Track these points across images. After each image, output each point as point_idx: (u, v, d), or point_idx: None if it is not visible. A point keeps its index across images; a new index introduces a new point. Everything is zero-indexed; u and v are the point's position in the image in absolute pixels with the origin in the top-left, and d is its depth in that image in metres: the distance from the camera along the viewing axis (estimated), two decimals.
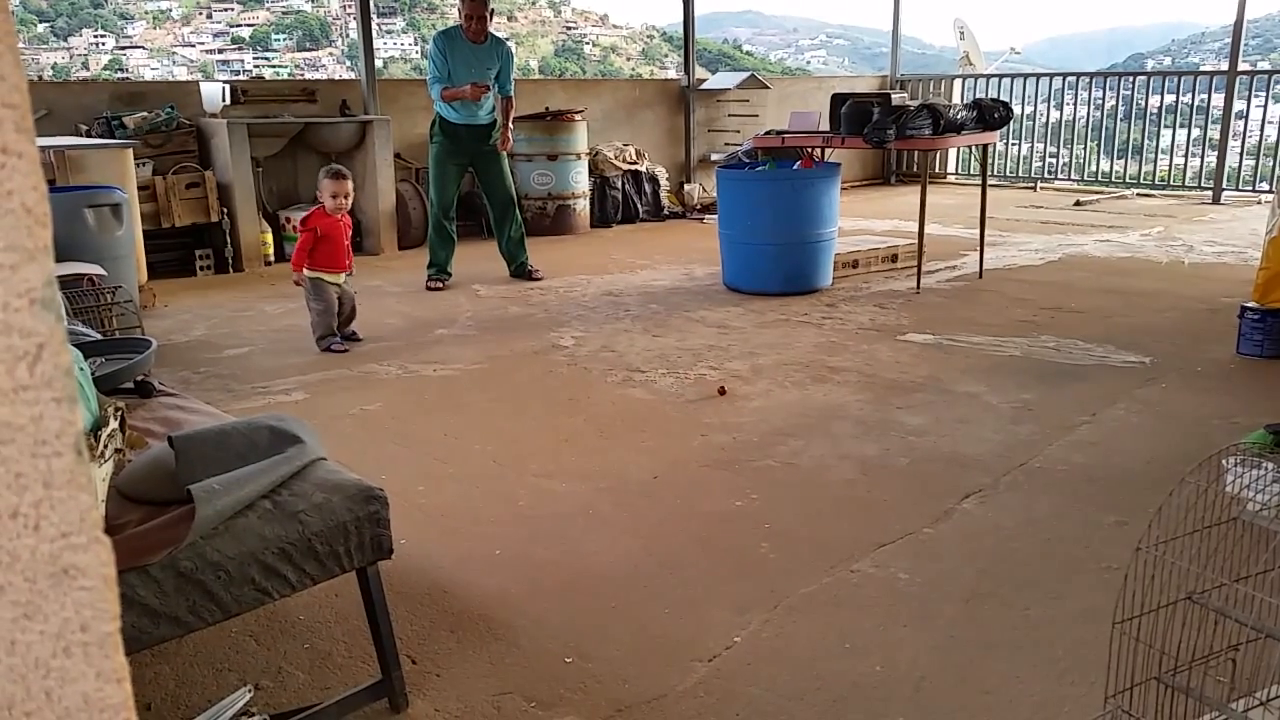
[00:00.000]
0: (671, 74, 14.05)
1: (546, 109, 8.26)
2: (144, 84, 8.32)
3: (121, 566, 1.56)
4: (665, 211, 9.03)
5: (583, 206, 8.30)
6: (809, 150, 6.02)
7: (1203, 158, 9.90)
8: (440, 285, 6.04)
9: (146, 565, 1.58)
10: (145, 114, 6.49)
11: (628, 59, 71.83)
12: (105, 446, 1.80)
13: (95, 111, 6.47)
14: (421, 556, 2.56)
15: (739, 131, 9.68)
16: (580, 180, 8.23)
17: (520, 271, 6.29)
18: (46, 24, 62.40)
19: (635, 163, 8.90)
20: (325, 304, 4.63)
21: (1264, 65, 32.28)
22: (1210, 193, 9.57)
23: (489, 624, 2.25)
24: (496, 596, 2.37)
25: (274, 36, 67.47)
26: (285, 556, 1.73)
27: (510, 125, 6.24)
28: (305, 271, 4.60)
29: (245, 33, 67.40)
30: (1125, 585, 1.66)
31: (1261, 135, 9.91)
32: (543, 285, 6.10)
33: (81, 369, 2.03)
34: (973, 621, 2.23)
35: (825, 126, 6.04)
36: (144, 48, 64.58)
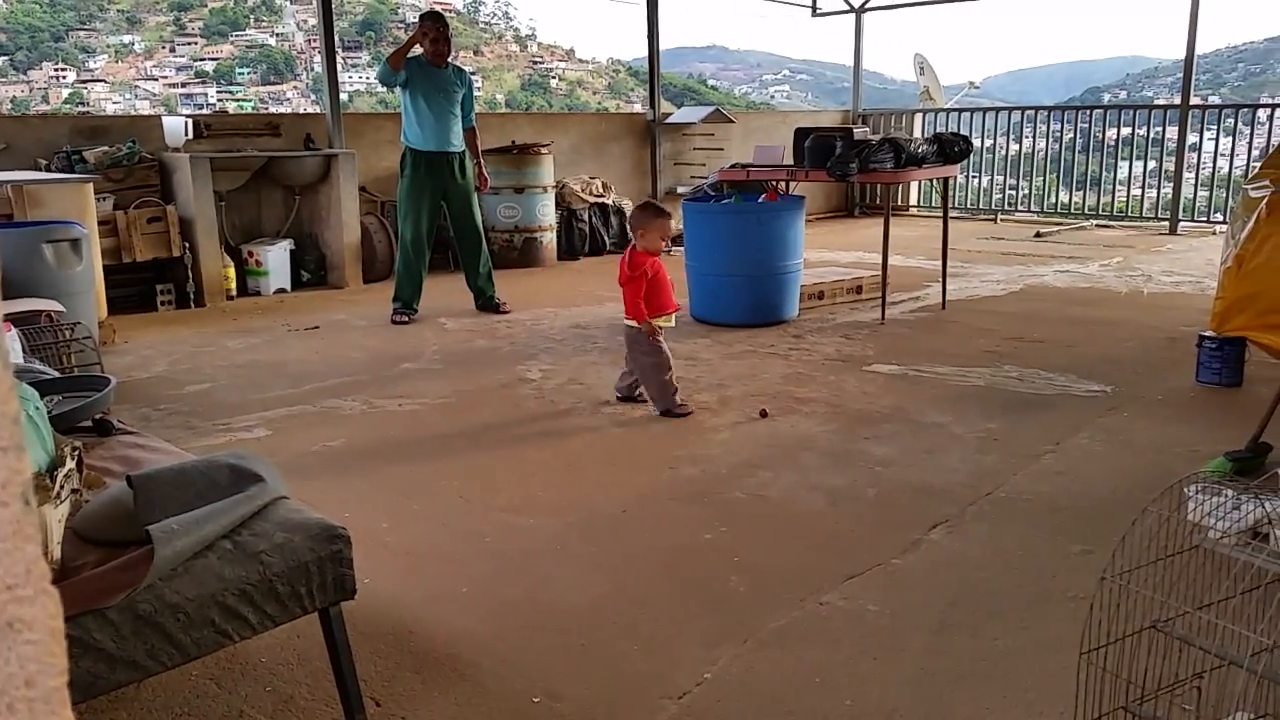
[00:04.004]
0: (637, 108, 14.16)
1: (513, 142, 8.28)
2: (105, 118, 8.25)
3: (78, 610, 1.53)
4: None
5: (550, 239, 8.31)
6: (774, 183, 6.08)
7: (1159, 189, 10.11)
8: (406, 319, 6.01)
9: (103, 608, 1.55)
10: (106, 148, 6.44)
11: (594, 93, 72.36)
12: (61, 487, 1.76)
13: (55, 146, 6.40)
14: (386, 595, 2.52)
15: (705, 165, 9.76)
16: (547, 213, 8.24)
17: (487, 305, 6.28)
18: (5, 57, 61.89)
19: (602, 195, 8.94)
20: (664, 358, 4.03)
21: (1214, 99, 33.06)
22: (1167, 223, 9.77)
23: (455, 664, 2.22)
24: (463, 635, 2.34)
25: (238, 70, 67.32)
26: (246, 598, 1.69)
27: (483, 161, 6.32)
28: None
29: (209, 66, 67.19)
30: (1091, 615, 1.67)
31: (1214, 167, 10.13)
32: (510, 318, 6.09)
33: (37, 408, 2.00)
34: (942, 653, 2.23)
35: (789, 160, 6.10)
36: (106, 81, 64.15)
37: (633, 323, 4.12)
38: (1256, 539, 2.36)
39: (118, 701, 2.03)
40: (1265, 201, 4.25)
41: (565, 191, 8.66)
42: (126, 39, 68.34)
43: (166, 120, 6.78)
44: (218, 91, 63.85)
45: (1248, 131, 9.58)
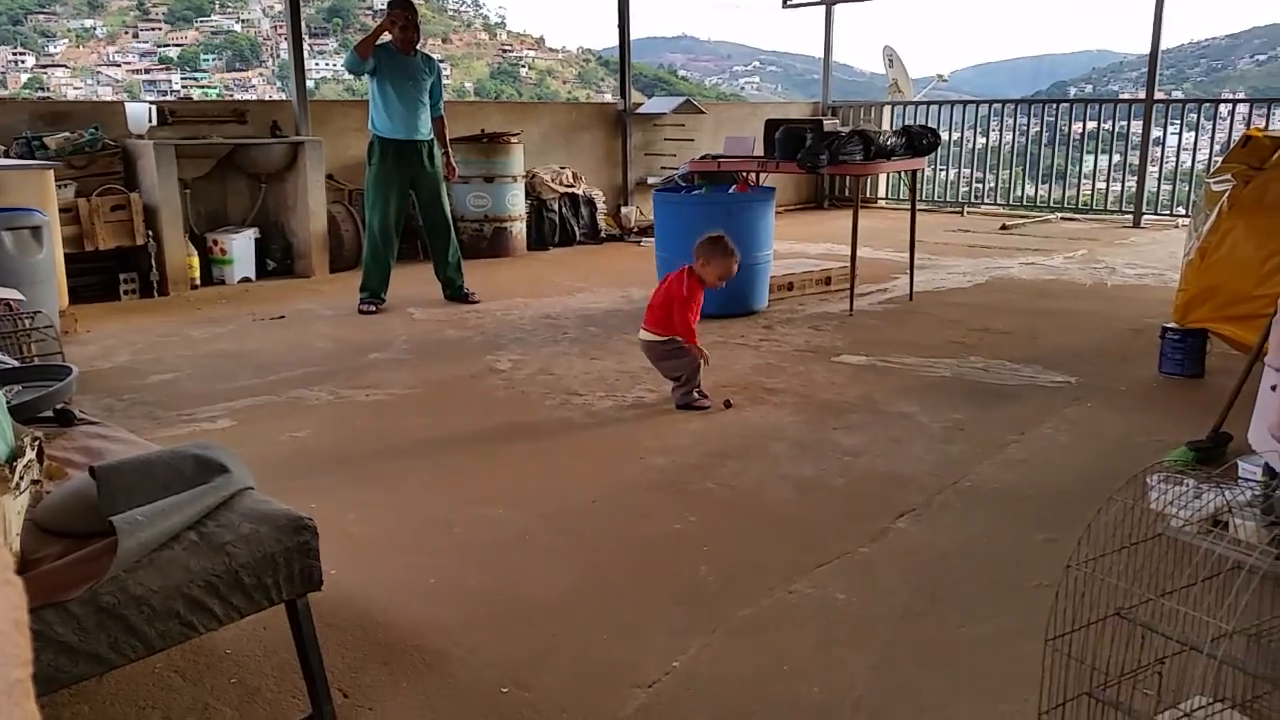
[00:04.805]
0: (608, 98, 14.13)
1: (483, 131, 8.24)
2: (67, 104, 8.10)
3: (39, 602, 1.50)
4: (602, 234, 9.05)
5: (519, 229, 8.28)
6: (744, 174, 6.08)
7: (1123, 183, 10.23)
8: (373, 309, 5.96)
9: (65, 601, 1.53)
10: (68, 134, 6.33)
11: (564, 82, 71.99)
12: (21, 478, 1.73)
13: (14, 131, 6.28)
14: (353, 587, 2.51)
15: (675, 155, 9.75)
16: (517, 203, 8.21)
17: (456, 294, 6.25)
18: None
19: (572, 185, 8.91)
20: (700, 364, 4.07)
21: (1178, 94, 33.50)
22: (1131, 216, 9.89)
23: (423, 655, 2.21)
24: (431, 626, 2.33)
25: (203, 57, 66.30)
26: (211, 589, 1.68)
27: (450, 150, 6.29)
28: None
29: (173, 53, 66.10)
30: (1056, 602, 1.69)
31: (1177, 161, 10.26)
32: (479, 308, 6.06)
33: None
34: (908, 640, 2.25)
35: (760, 151, 6.11)
36: (66, 66, 62.94)
37: (652, 336, 4.07)
38: (1217, 527, 2.40)
39: (80, 695, 2.01)
40: (1227, 195, 4.31)
41: (535, 181, 8.63)
42: (88, 23, 67.05)
43: (130, 106, 6.67)
44: (182, 78, 62.87)
45: (1210, 126, 9.73)
